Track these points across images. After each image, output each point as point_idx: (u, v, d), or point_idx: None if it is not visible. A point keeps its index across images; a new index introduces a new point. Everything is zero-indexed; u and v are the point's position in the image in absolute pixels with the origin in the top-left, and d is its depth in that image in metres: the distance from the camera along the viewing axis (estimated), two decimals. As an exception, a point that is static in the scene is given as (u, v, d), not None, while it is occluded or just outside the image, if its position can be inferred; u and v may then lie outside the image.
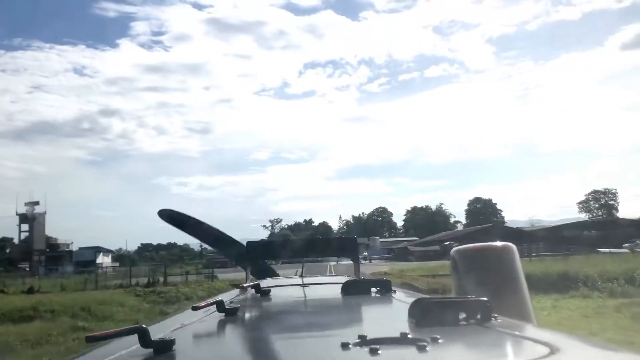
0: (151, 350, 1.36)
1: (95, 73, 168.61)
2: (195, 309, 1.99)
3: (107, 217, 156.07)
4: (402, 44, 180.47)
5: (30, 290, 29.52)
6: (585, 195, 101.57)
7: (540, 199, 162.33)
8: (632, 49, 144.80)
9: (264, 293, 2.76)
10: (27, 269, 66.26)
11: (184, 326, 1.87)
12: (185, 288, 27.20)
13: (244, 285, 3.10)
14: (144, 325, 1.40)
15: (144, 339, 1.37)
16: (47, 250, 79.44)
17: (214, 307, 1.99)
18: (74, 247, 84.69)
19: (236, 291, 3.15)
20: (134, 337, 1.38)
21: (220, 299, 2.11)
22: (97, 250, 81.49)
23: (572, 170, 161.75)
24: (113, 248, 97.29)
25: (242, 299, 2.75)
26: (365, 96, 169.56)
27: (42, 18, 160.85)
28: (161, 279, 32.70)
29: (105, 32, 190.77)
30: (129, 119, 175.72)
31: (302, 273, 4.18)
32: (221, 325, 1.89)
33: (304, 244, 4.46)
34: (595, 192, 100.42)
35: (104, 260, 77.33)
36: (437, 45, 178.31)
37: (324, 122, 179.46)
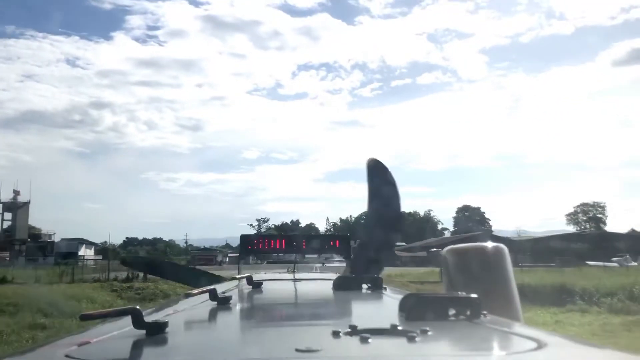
0: (144, 331, 1.38)
1: (88, 65, 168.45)
2: (187, 296, 2.06)
3: (94, 210, 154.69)
4: (396, 50, 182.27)
5: (3, 281, 28.27)
6: (574, 207, 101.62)
7: (527, 210, 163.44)
8: (623, 65, 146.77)
9: (256, 285, 2.80)
10: (7, 259, 64.70)
11: (176, 311, 1.93)
12: (164, 285, 26.06)
13: (236, 277, 3.14)
14: (137, 307, 1.43)
15: (138, 320, 1.39)
16: (28, 240, 77.48)
17: (206, 296, 2.03)
18: (57, 238, 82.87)
19: (229, 283, 3.24)
20: (128, 319, 1.40)
21: (213, 287, 2.15)
22: (80, 242, 79.74)
23: (559, 182, 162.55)
24: (98, 241, 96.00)
25: (235, 290, 2.81)
26: (357, 100, 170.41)
27: (36, 7, 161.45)
28: (141, 275, 31.40)
29: (99, 24, 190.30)
30: (120, 112, 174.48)
31: (294, 268, 4.21)
32: (213, 312, 1.93)
33: (298, 239, 4.54)
34: (583, 204, 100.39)
35: (86, 252, 75.68)
36: (430, 53, 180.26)
37: (315, 124, 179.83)
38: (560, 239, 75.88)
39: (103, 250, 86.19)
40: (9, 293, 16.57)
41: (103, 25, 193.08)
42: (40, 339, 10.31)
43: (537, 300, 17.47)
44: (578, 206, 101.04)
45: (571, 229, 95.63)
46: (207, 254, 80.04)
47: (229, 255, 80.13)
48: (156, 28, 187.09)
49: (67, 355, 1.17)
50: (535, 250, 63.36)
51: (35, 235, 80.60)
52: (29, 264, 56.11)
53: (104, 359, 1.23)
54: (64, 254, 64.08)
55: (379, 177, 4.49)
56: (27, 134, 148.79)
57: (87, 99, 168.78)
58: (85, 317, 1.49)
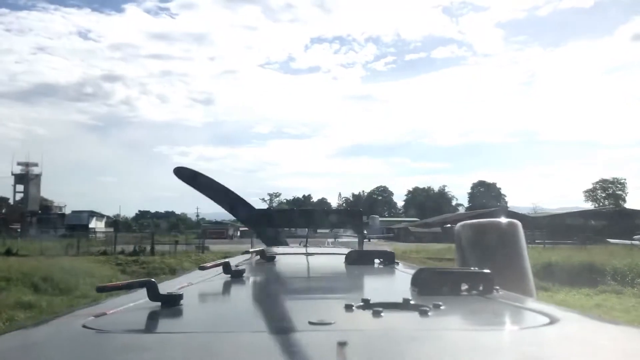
0: (159, 303, 1.41)
1: (100, 37, 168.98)
2: (202, 268, 2.10)
3: (107, 183, 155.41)
4: (410, 23, 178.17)
5: (8, 253, 27.64)
6: (593, 184, 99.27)
7: (543, 187, 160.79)
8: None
9: (270, 259, 2.90)
10: (19, 230, 64.70)
11: (190, 284, 1.94)
12: (171, 259, 25.25)
13: (250, 250, 3.24)
14: (152, 279, 1.46)
15: (153, 293, 1.42)
16: (39, 212, 77.41)
17: (220, 269, 2.10)
18: (68, 211, 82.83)
19: (242, 256, 3.30)
20: (143, 291, 1.44)
21: (227, 260, 2.21)
22: (91, 214, 79.37)
23: (576, 159, 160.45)
24: (111, 214, 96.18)
25: (248, 263, 2.87)
26: (370, 74, 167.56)
27: None
28: (149, 248, 30.67)
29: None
30: (132, 85, 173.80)
31: (306, 242, 4.26)
32: (227, 285, 1.98)
33: (311, 213, 4.85)
34: (603, 181, 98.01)
35: (97, 225, 75.51)
36: (445, 27, 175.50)
37: (328, 98, 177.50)
38: (578, 216, 74.14)
39: (114, 222, 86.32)
40: (5, 266, 15.64)
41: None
42: (20, 320, 9.38)
43: (566, 280, 16.28)
44: (597, 183, 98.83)
45: (589, 206, 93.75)
46: (219, 228, 79.53)
47: (240, 229, 79.69)
48: (168, 0, 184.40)
49: (84, 326, 1.21)
50: (552, 227, 61.81)
51: (46, 207, 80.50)
52: (39, 236, 56.01)
53: (120, 330, 1.24)
54: (75, 226, 63.71)
55: (195, 180, 4.54)
56: (40, 106, 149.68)
57: (99, 72, 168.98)
58: (101, 289, 1.58)
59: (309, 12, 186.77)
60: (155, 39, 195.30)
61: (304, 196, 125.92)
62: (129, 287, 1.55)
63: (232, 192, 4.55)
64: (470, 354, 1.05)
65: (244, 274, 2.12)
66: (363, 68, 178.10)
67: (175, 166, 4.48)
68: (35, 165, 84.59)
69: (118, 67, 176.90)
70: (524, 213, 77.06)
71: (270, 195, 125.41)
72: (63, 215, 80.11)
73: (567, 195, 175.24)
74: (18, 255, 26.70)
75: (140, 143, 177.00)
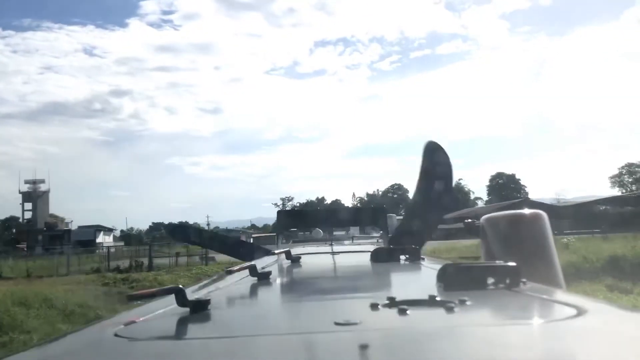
0: (187, 309, 1.41)
1: (105, 53, 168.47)
2: (228, 272, 2.10)
3: (120, 197, 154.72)
4: (413, 20, 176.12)
5: (-9, 276, 25.05)
6: (619, 168, 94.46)
7: (563, 176, 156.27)
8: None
9: (295, 260, 2.94)
10: (25, 249, 62.67)
11: (218, 288, 2.00)
12: (167, 275, 22.40)
13: (275, 251, 3.27)
14: (180, 286, 1.47)
15: (181, 299, 1.42)
16: (44, 229, 75.30)
17: (246, 272, 2.11)
18: (74, 226, 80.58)
19: (268, 258, 3.33)
20: (172, 297, 1.45)
21: (253, 263, 2.26)
22: (97, 229, 76.97)
23: (593, 146, 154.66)
24: (125, 228, 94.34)
25: (274, 265, 2.89)
26: (376, 74, 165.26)
27: None
28: (146, 262, 27.88)
29: (114, 12, 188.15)
30: (140, 99, 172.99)
31: (331, 241, 4.39)
32: (254, 288, 2.00)
33: (334, 213, 5.45)
34: (629, 165, 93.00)
35: (104, 239, 73.12)
36: (449, 22, 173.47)
37: (335, 101, 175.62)
38: (606, 203, 70.19)
39: (126, 236, 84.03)
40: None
41: (117, 12, 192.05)
42: None
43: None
44: (623, 167, 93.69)
45: (616, 192, 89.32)
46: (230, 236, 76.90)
47: (253, 236, 77.08)
48: (170, 12, 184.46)
49: (116, 334, 1.22)
50: (580, 216, 58.21)
51: (52, 224, 78.33)
52: (44, 254, 53.67)
53: (151, 337, 1.25)
54: (82, 242, 61.30)
55: (434, 157, 4.67)
56: (51, 125, 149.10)
57: (106, 88, 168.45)
58: (131, 298, 1.63)
59: (311, 16, 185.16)
60: (160, 52, 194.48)
61: (317, 198, 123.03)
62: (158, 294, 1.55)
63: (227, 237, 4.20)
64: (497, 349, 1.02)
65: (270, 276, 2.14)
66: (368, 68, 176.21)
67: (167, 225, 4.28)
68: (42, 182, 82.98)
69: (125, 81, 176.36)
70: (549, 203, 73.49)
71: (282, 199, 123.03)
72: (69, 231, 77.93)
73: (590, 183, 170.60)
74: (2, 279, 24.15)
75: (151, 156, 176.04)
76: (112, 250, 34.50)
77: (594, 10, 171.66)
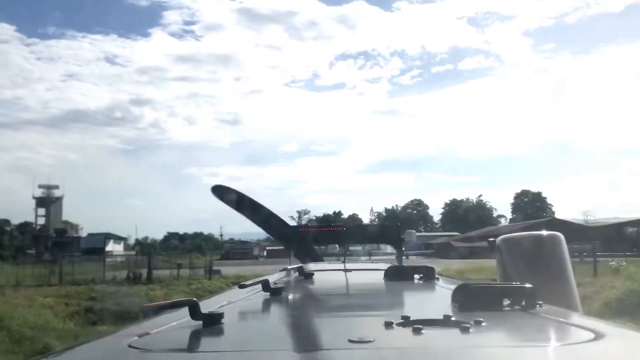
0: (200, 322, 1.42)
1: (127, 62, 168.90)
2: (242, 287, 2.11)
3: (137, 206, 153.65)
4: (435, 35, 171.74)
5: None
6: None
7: (588, 196, 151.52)
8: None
9: (308, 276, 2.92)
10: (34, 256, 61.23)
11: (230, 303, 1.96)
12: (162, 290, 20.02)
13: (288, 267, 3.26)
14: (194, 299, 1.49)
15: (194, 312, 1.44)
16: (54, 236, 73.84)
17: (259, 287, 2.12)
18: (84, 234, 79.09)
19: (281, 273, 3.29)
20: (185, 310, 1.45)
21: (266, 278, 2.25)
22: (107, 236, 75.18)
23: (618, 168, 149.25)
24: (140, 236, 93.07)
25: (287, 280, 2.90)
26: (396, 89, 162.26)
27: (74, 7, 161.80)
28: (145, 274, 25.52)
29: (137, 22, 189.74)
30: (160, 108, 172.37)
31: (344, 258, 4.43)
32: (267, 303, 2.01)
33: (348, 229, 5.26)
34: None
35: (114, 247, 71.39)
36: (471, 37, 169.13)
37: (354, 114, 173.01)
38: (635, 225, 66.42)
39: (138, 245, 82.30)
40: None
41: (140, 22, 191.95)
42: None
43: None
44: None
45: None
46: (243, 248, 74.61)
47: (267, 248, 74.65)
48: (192, 23, 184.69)
49: (129, 346, 1.23)
50: (609, 237, 54.78)
51: (61, 230, 76.90)
52: (52, 261, 52.04)
53: (163, 349, 1.26)
54: (91, 250, 59.54)
55: (232, 200, 4.62)
56: (72, 132, 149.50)
57: (127, 96, 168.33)
58: (146, 309, 1.63)
59: (332, 29, 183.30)
60: (181, 62, 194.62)
61: (334, 212, 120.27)
62: (173, 307, 1.54)
63: (266, 209, 4.50)
64: None
65: (283, 292, 2.14)
66: (389, 82, 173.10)
67: (213, 185, 4.63)
68: (57, 187, 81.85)
69: (146, 90, 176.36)
70: (578, 223, 69.88)
71: (299, 212, 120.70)
72: (78, 238, 76.36)
73: (616, 204, 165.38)
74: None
75: (169, 165, 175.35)
76: (118, 259, 32.59)
77: (619, 29, 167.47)
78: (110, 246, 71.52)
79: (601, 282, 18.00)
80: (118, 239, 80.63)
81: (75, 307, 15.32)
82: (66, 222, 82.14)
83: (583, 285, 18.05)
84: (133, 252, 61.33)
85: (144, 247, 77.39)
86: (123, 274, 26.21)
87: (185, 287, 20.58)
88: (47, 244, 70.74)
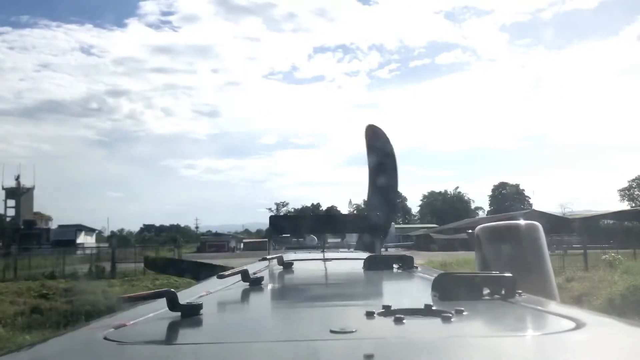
0: (179, 313, 1.40)
1: (103, 53, 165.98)
2: (220, 277, 2.06)
3: (113, 198, 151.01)
4: (413, 29, 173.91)
5: None
6: (629, 181, 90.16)
7: (563, 189, 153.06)
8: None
9: (287, 265, 2.89)
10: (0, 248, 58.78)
11: (209, 293, 1.93)
12: (123, 285, 18.68)
13: (267, 257, 3.12)
14: (172, 290, 1.46)
15: (173, 303, 1.41)
16: (22, 227, 71.25)
17: (238, 277, 2.09)
18: (54, 225, 76.54)
19: (260, 263, 3.18)
20: (163, 301, 1.42)
21: (245, 268, 2.20)
22: (78, 228, 72.83)
23: (590, 162, 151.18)
24: (115, 228, 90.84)
25: (266, 270, 2.83)
26: (375, 82, 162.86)
27: None
28: (108, 269, 24.06)
29: (113, 12, 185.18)
30: (136, 99, 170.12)
31: (323, 248, 4.25)
32: (246, 293, 1.98)
33: (328, 219, 5.28)
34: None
35: (86, 239, 69.12)
36: (449, 32, 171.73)
37: (333, 107, 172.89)
38: (616, 217, 66.74)
39: (110, 237, 79.97)
40: None
41: (116, 12, 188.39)
42: None
43: None
44: (633, 180, 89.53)
45: (625, 205, 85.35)
46: (219, 240, 73.15)
47: (244, 241, 73.27)
48: (170, 13, 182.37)
49: (105, 338, 1.20)
50: (586, 230, 54.79)
51: (30, 222, 74.29)
52: (19, 254, 49.87)
53: (140, 341, 1.23)
54: (61, 242, 57.30)
55: (377, 148, 4.81)
56: (46, 123, 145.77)
57: (103, 87, 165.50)
58: (124, 300, 1.62)
59: (311, 22, 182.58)
60: (158, 53, 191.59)
61: (312, 204, 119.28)
62: (150, 298, 1.52)
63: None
64: None
65: (263, 282, 2.10)
66: (367, 76, 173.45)
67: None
68: (19, 177, 78.84)
69: (122, 81, 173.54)
70: (558, 215, 69.99)
71: (277, 204, 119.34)
72: (48, 230, 73.84)
73: (592, 197, 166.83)
74: None
75: (146, 157, 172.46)
76: (87, 252, 31.10)
77: (593, 25, 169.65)
78: (82, 238, 69.29)
79: (596, 277, 17.27)
80: (90, 230, 78.23)
81: (22, 306, 13.90)
82: (37, 214, 79.45)
83: (577, 279, 17.16)
84: (106, 245, 59.35)
85: (119, 240, 75.25)
86: (83, 268, 24.71)
87: (149, 282, 19.22)
88: (14, 236, 68.21)
